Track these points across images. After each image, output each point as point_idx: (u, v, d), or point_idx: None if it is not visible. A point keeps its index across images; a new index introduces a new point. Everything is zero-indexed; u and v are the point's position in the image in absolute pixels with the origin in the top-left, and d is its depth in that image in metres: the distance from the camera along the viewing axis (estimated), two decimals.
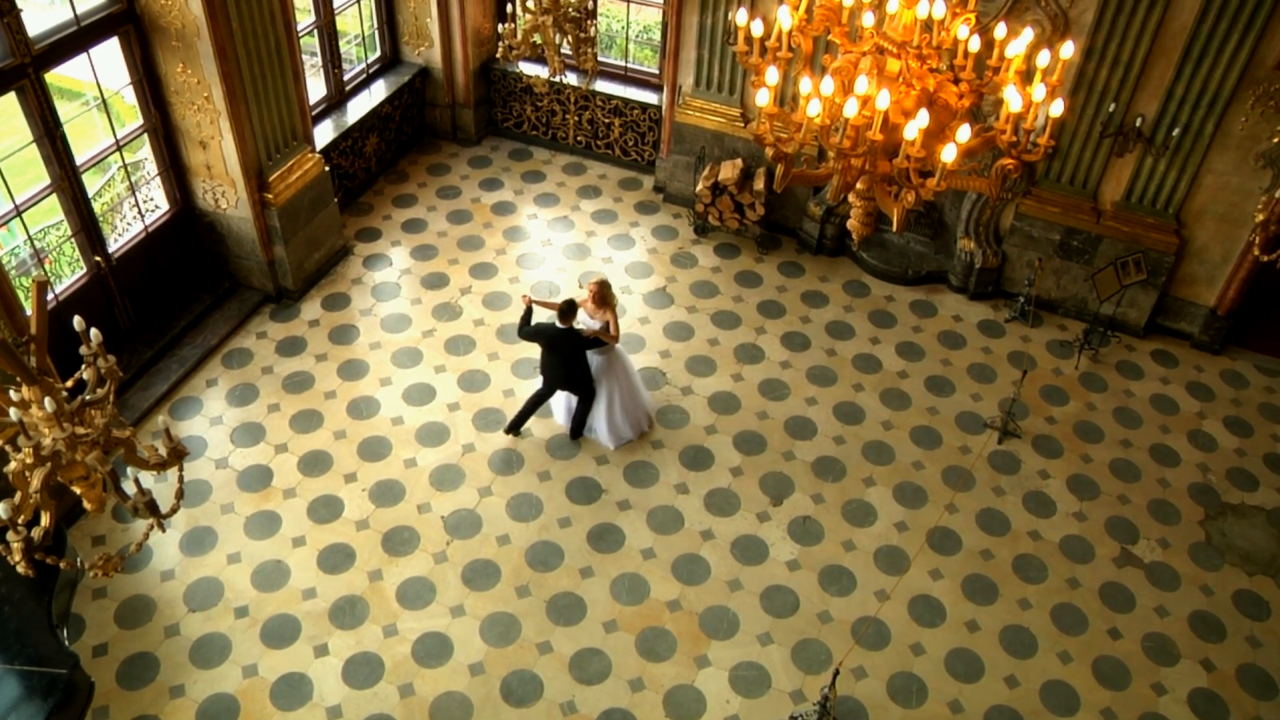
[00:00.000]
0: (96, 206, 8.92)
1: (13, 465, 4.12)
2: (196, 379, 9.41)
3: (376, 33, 11.70)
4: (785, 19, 4.80)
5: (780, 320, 10.40)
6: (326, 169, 10.17)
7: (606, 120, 11.99)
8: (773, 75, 4.66)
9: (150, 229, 9.36)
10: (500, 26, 7.67)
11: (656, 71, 11.75)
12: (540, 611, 7.81)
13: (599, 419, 8.92)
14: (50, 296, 8.46)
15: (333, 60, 11.02)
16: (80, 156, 8.41)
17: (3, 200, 7.83)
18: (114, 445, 4.29)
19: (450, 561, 8.10)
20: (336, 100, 11.27)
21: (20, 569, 4.30)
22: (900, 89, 4.71)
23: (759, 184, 10.85)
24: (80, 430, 4.11)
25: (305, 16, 10.43)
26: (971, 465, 9.05)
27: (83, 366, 4.41)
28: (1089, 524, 8.65)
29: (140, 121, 9.03)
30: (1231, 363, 10.23)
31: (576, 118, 12.13)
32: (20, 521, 4.15)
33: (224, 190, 9.43)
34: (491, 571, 8.05)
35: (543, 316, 8.91)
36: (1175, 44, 8.72)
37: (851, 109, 4.41)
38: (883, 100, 4.35)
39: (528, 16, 7.46)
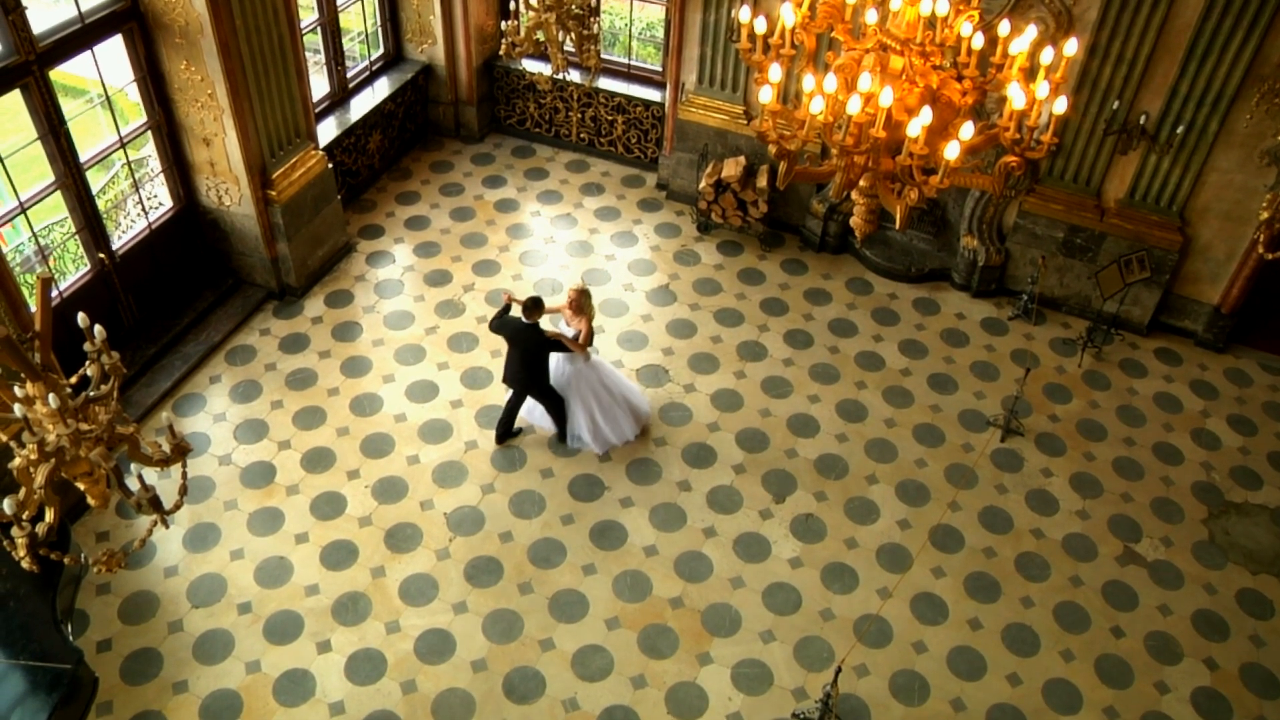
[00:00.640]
0: (100, 204, 8.93)
1: (17, 461, 4.13)
2: (200, 376, 9.43)
3: (380, 30, 11.70)
4: (788, 16, 4.79)
5: (783, 318, 10.40)
6: (330, 166, 10.18)
7: (609, 117, 11.98)
8: (776, 72, 4.65)
9: (154, 226, 9.37)
10: (503, 23, 7.67)
11: (659, 68, 11.74)
12: (542, 608, 7.82)
13: (582, 429, 8.84)
14: (54, 293, 8.48)
15: (336, 57, 11.02)
16: (84, 154, 8.42)
17: (7, 197, 7.85)
18: (118, 441, 4.30)
19: (453, 558, 8.11)
20: (340, 97, 11.28)
21: (25, 564, 4.32)
22: (903, 86, 4.70)
23: (762, 181, 10.84)
24: (84, 426, 4.12)
25: (308, 14, 10.43)
26: (974, 463, 9.04)
27: (87, 363, 4.42)
28: (1092, 522, 8.64)
29: (144, 119, 9.04)
30: (1235, 361, 10.22)
31: (579, 115, 12.13)
32: (25, 517, 4.17)
33: (227, 187, 9.44)
34: (494, 568, 8.06)
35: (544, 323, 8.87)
36: (1179, 41, 8.70)
37: (854, 106, 4.40)
38: (886, 97, 4.35)
39: (531, 13, 7.46)
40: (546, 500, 8.56)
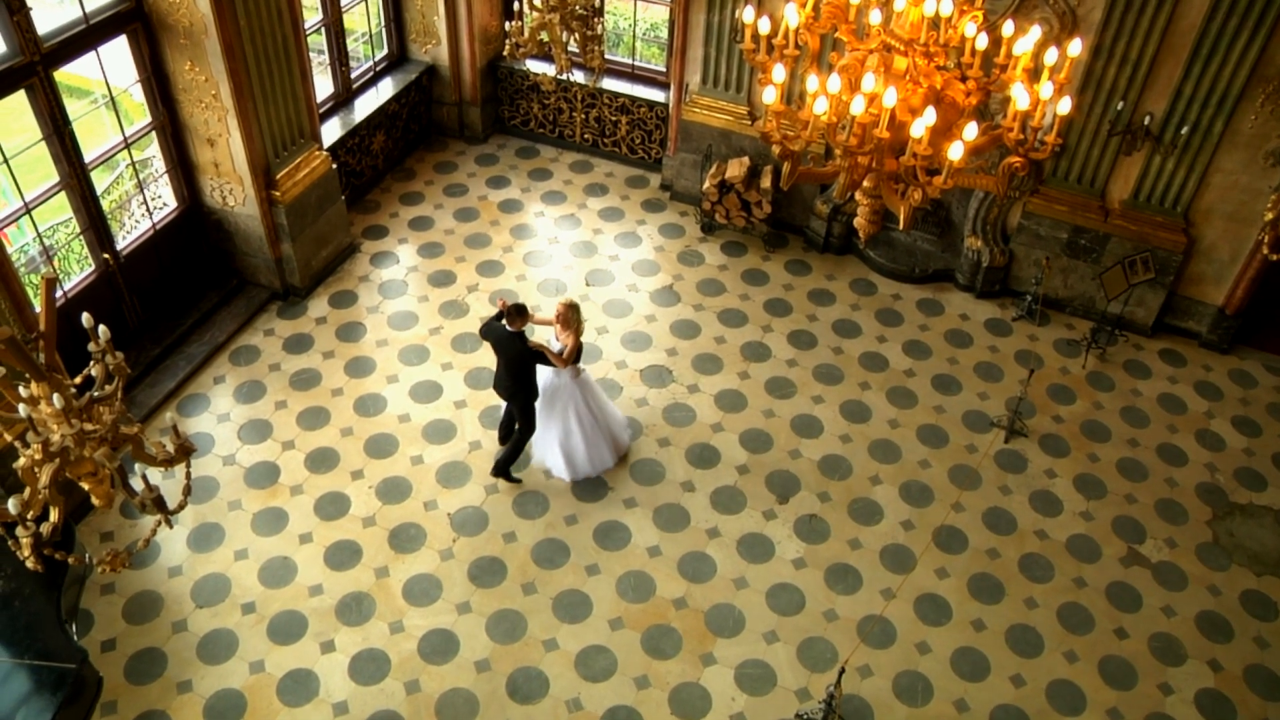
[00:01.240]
0: (105, 204, 8.95)
1: (22, 461, 4.14)
2: (204, 376, 9.44)
3: (384, 30, 11.71)
4: (792, 16, 4.79)
5: (787, 318, 10.40)
6: (334, 166, 10.19)
7: (613, 118, 11.99)
8: (779, 73, 4.65)
9: (158, 226, 9.38)
10: (507, 24, 7.68)
11: (663, 69, 11.75)
12: (546, 609, 7.82)
13: (553, 450, 8.51)
14: (59, 294, 8.49)
15: (340, 58, 11.04)
16: (89, 154, 8.44)
17: (12, 198, 7.86)
18: (122, 442, 4.31)
19: (456, 558, 8.11)
20: (344, 98, 11.29)
21: (29, 564, 4.32)
22: (907, 86, 4.70)
23: (766, 182, 10.84)
24: (89, 426, 4.13)
25: (313, 14, 10.44)
26: (978, 464, 9.03)
27: (91, 363, 4.43)
28: (1096, 523, 8.63)
29: (148, 119, 9.06)
30: (1240, 362, 10.20)
31: (583, 115, 12.14)
32: (29, 517, 4.18)
33: (231, 188, 9.45)
34: (497, 568, 8.06)
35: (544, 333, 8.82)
36: (1184, 42, 8.69)
37: (858, 107, 4.40)
38: (890, 98, 4.35)
39: (535, 14, 7.46)
40: (550, 500, 8.56)
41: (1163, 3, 8.54)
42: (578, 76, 11.60)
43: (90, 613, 7.59)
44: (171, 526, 4.60)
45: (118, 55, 8.58)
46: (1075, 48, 4.75)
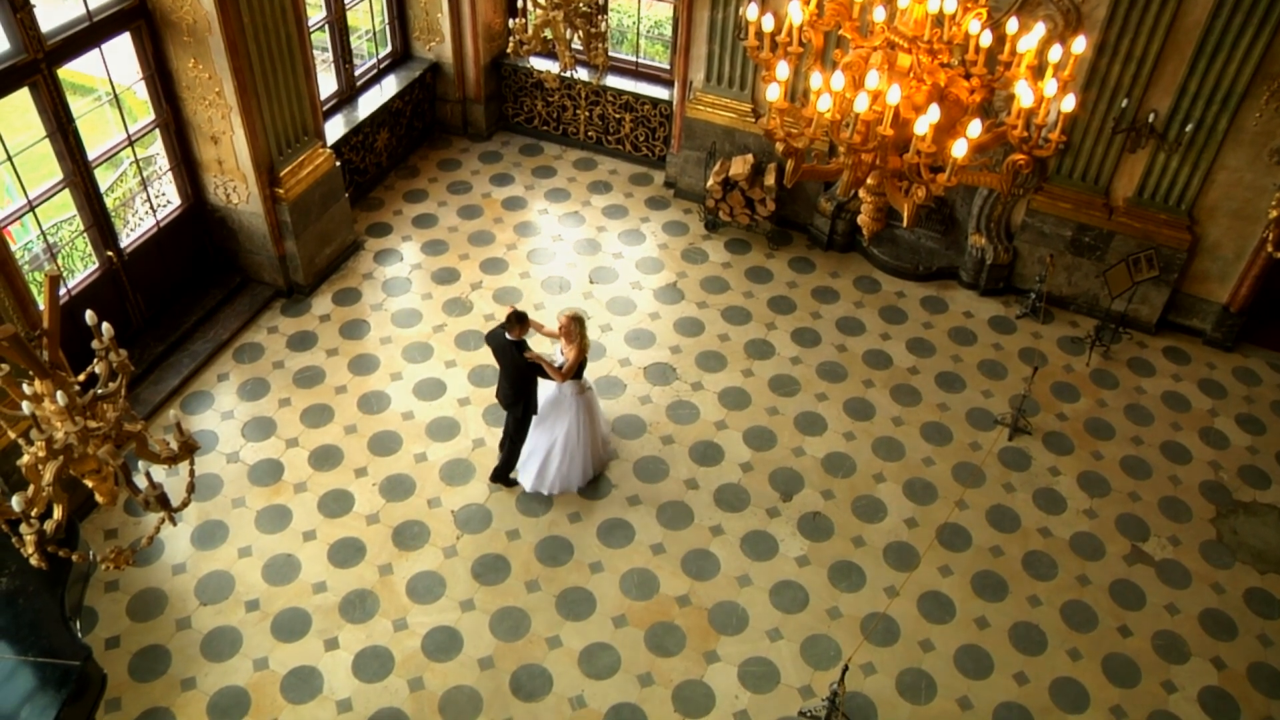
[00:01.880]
0: (108, 202, 8.96)
1: (25, 459, 4.15)
2: (208, 373, 9.45)
3: (387, 28, 11.71)
4: (796, 14, 4.79)
5: (790, 316, 10.39)
6: (337, 164, 10.19)
7: (617, 115, 11.98)
8: (783, 70, 4.65)
9: (162, 224, 9.39)
10: (511, 21, 7.69)
11: (667, 67, 11.73)
12: (550, 606, 7.82)
13: (533, 458, 8.39)
14: (62, 291, 8.49)
15: (344, 55, 11.04)
16: (92, 152, 8.45)
17: (16, 195, 7.87)
18: (125, 439, 4.31)
19: (460, 556, 8.12)
20: (347, 95, 11.29)
21: (33, 562, 4.33)
22: (911, 84, 4.69)
23: (769, 179, 10.83)
24: (92, 424, 4.14)
25: (316, 12, 10.44)
26: (982, 462, 9.03)
27: (95, 361, 4.43)
28: (1099, 521, 8.62)
29: (152, 117, 9.07)
30: (1244, 360, 10.18)
31: (587, 113, 12.13)
32: (33, 514, 4.18)
33: (235, 185, 9.46)
34: (501, 566, 8.07)
35: (543, 342, 8.80)
36: (1189, 39, 8.66)
37: (862, 104, 4.39)
38: (893, 95, 4.34)
39: (538, 11, 7.47)
40: (553, 498, 8.56)
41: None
42: (581, 74, 11.60)
43: (94, 610, 7.60)
44: (175, 524, 4.61)
45: (121, 53, 8.58)
46: (1079, 45, 4.74)
